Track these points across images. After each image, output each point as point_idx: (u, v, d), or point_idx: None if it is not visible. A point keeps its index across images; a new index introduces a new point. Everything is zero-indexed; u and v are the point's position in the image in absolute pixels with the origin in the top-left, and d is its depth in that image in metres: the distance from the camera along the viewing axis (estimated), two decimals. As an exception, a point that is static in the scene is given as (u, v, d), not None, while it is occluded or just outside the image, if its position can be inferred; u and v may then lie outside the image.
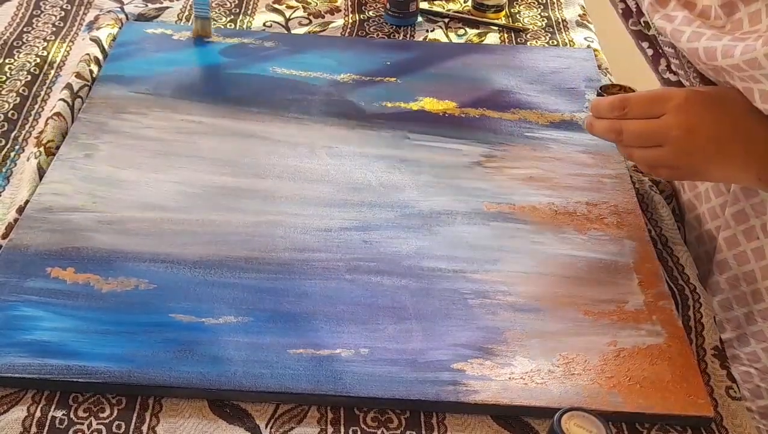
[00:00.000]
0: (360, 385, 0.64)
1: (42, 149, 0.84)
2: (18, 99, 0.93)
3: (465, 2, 1.16)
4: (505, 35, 1.10)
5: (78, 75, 0.94)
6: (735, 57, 0.63)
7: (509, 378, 0.65)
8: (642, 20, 0.79)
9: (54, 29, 1.05)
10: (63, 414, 0.63)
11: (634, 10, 0.79)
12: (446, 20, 1.12)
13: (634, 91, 0.74)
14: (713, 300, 0.80)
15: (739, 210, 0.77)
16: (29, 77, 0.97)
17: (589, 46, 1.07)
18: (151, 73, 0.95)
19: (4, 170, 0.84)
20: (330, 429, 0.63)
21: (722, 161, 0.67)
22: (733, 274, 0.79)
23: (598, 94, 0.75)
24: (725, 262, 0.79)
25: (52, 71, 0.98)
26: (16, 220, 0.76)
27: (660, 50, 0.79)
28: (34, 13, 1.08)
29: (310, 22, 1.10)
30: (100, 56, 0.98)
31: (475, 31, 1.10)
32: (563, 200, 0.82)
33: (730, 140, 0.67)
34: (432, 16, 1.13)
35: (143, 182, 0.81)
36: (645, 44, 0.80)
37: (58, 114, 0.88)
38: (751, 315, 0.80)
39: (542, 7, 1.16)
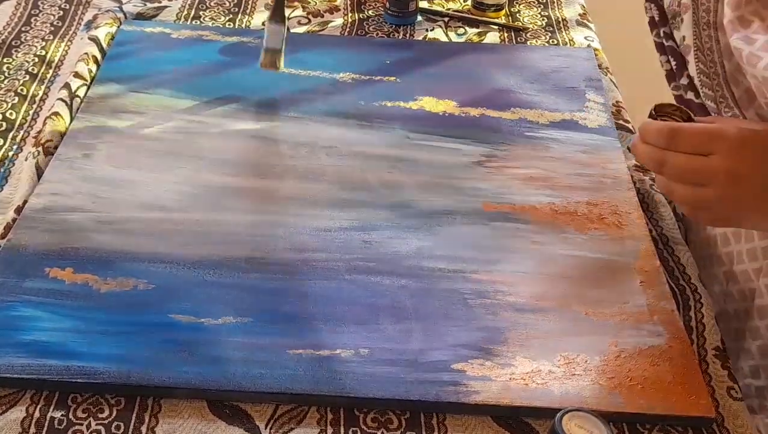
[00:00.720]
0: (360, 385, 0.64)
1: (40, 148, 0.84)
2: (16, 99, 0.93)
3: (465, 1, 1.16)
4: (505, 34, 1.10)
5: (76, 74, 0.94)
6: None
7: (510, 379, 0.65)
8: (663, 31, 0.76)
9: (52, 28, 1.05)
10: (62, 415, 0.62)
11: (658, 18, 0.76)
12: (446, 19, 1.12)
13: (690, 116, 0.67)
14: (753, 344, 0.77)
15: None
16: (27, 77, 0.96)
17: (589, 46, 1.07)
18: (149, 73, 0.95)
19: (2, 169, 0.84)
20: (330, 430, 0.63)
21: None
22: (765, 344, 0.75)
23: (651, 115, 0.68)
24: (757, 330, 0.75)
25: (51, 71, 0.98)
26: (14, 220, 0.76)
27: (683, 63, 0.74)
28: (33, 12, 1.08)
29: (310, 21, 1.10)
30: (99, 55, 0.98)
31: (475, 30, 1.10)
32: (563, 200, 0.82)
33: None
34: (432, 16, 1.13)
35: (142, 182, 0.81)
36: (663, 58, 0.76)
37: (56, 114, 0.88)
38: None
39: (542, 7, 1.16)
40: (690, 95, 0.75)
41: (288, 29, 0.91)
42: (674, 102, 0.72)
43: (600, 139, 0.90)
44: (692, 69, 0.73)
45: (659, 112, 0.68)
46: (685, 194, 0.65)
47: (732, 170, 0.61)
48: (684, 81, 0.75)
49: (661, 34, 0.77)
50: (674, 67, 0.76)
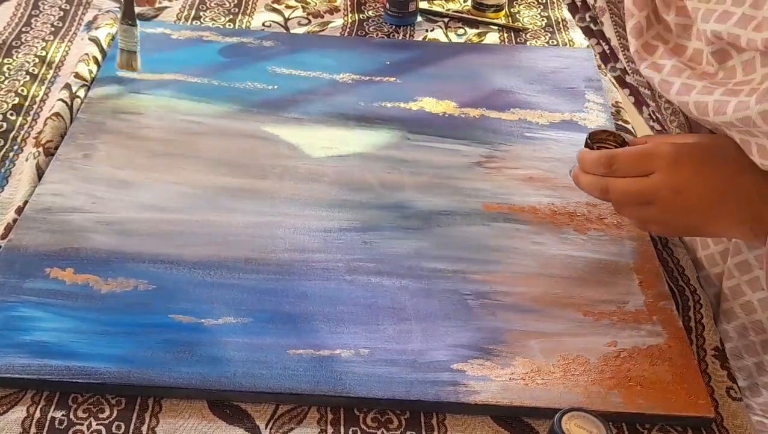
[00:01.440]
0: (360, 385, 0.64)
1: (41, 149, 0.84)
2: (16, 99, 0.93)
3: (465, 2, 1.16)
4: (505, 35, 1.10)
5: (77, 75, 0.94)
6: (728, 114, 0.60)
7: (509, 379, 0.65)
8: (588, 15, 0.76)
9: (53, 29, 1.05)
10: (62, 415, 0.63)
11: (580, 4, 0.76)
12: (446, 20, 1.12)
13: (624, 140, 0.70)
14: (729, 327, 0.78)
15: (742, 261, 0.74)
16: (28, 77, 0.97)
17: (588, 46, 1.07)
18: (149, 73, 0.95)
19: (2, 170, 0.84)
20: (330, 430, 0.63)
21: (714, 219, 0.65)
22: (740, 323, 0.77)
23: (586, 144, 0.71)
24: (732, 311, 0.77)
25: (51, 71, 0.98)
26: (14, 220, 0.76)
27: (641, 98, 0.75)
28: (33, 13, 1.08)
29: (310, 21, 1.10)
30: (99, 56, 0.98)
31: (475, 30, 1.10)
32: (563, 200, 0.82)
33: (722, 199, 0.64)
34: (431, 16, 1.13)
35: (142, 183, 0.81)
36: (626, 91, 0.77)
37: (56, 114, 0.88)
38: (761, 365, 0.77)
39: (542, 7, 1.16)
40: (655, 125, 0.76)
41: (138, 29, 0.92)
42: (607, 129, 0.76)
43: (599, 139, 0.90)
44: (623, 62, 0.74)
45: (594, 139, 0.71)
46: (634, 215, 0.68)
47: (670, 185, 0.64)
48: (620, 65, 0.76)
49: (587, 19, 0.77)
50: (607, 50, 0.77)
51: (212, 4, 1.11)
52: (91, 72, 0.95)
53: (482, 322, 0.70)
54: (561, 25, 1.12)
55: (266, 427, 0.63)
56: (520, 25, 1.12)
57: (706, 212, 0.65)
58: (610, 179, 0.67)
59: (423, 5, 1.14)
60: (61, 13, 1.08)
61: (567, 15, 1.14)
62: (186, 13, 1.09)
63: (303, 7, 1.13)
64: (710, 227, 0.67)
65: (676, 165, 0.64)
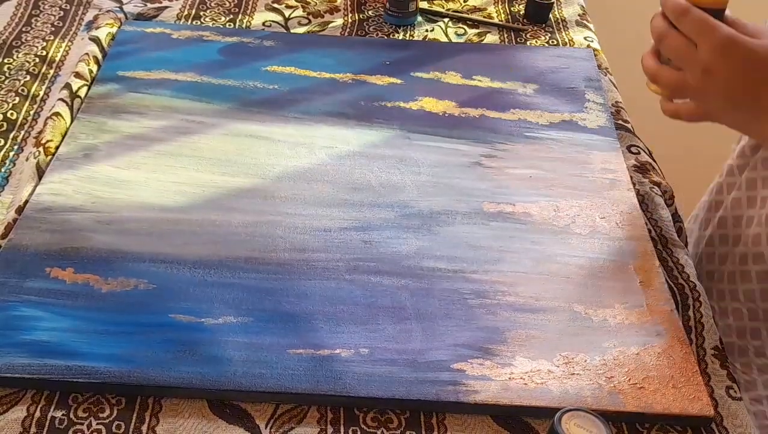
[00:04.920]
0: (360, 385, 0.64)
1: (41, 148, 0.84)
2: (17, 99, 0.93)
3: (465, 1, 1.16)
4: (505, 35, 1.10)
5: (77, 75, 0.94)
6: None
7: (509, 378, 0.65)
8: None
9: (53, 29, 1.05)
10: (63, 414, 0.63)
11: None
12: (446, 20, 1.12)
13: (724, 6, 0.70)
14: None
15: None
16: (28, 77, 0.97)
17: (588, 46, 1.07)
18: (150, 73, 0.95)
19: (3, 170, 0.84)
20: (330, 429, 0.63)
21: (733, 108, 0.67)
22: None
23: None
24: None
25: (51, 71, 0.98)
26: (15, 220, 0.76)
27: None
28: (33, 12, 1.08)
29: (310, 21, 1.10)
30: (99, 56, 0.98)
31: (475, 30, 1.10)
32: (563, 200, 0.82)
33: (745, 89, 0.66)
34: (431, 16, 1.13)
35: (143, 182, 0.81)
36: None
37: (57, 114, 0.88)
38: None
39: (542, 7, 1.15)
40: None
41: None
42: None
43: (600, 139, 0.90)
44: None
45: None
46: (669, 76, 0.70)
47: (707, 67, 0.66)
48: None
49: None
50: None
51: (212, 4, 1.11)
52: (91, 72, 0.95)
53: (482, 322, 0.70)
54: (561, 25, 1.12)
55: (266, 427, 0.63)
56: (520, 24, 1.12)
57: (726, 104, 0.67)
58: (671, 30, 0.68)
59: (423, 5, 1.14)
60: (62, 13, 1.08)
61: (567, 14, 1.14)
62: (186, 12, 1.09)
63: (303, 6, 1.13)
64: (726, 118, 0.69)
65: (721, 52, 0.65)
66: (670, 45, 0.68)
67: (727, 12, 0.69)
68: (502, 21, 1.12)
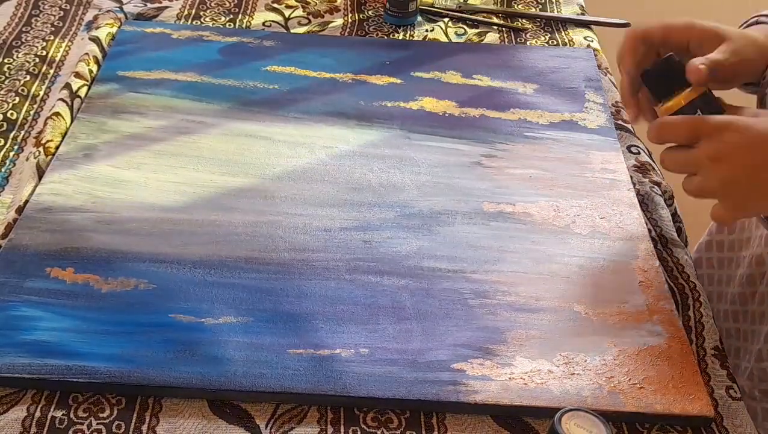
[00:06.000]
0: (360, 385, 0.64)
1: (41, 148, 0.84)
2: (17, 99, 0.93)
3: (465, 1, 1.16)
4: (505, 34, 1.10)
5: (77, 75, 0.94)
6: None
7: (509, 378, 0.65)
8: None
9: (53, 29, 1.05)
10: (63, 414, 0.63)
11: None
12: (446, 20, 1.12)
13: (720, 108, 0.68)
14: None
15: None
16: (28, 77, 0.97)
17: (588, 46, 1.07)
18: (150, 73, 0.95)
19: (3, 170, 0.84)
20: (330, 429, 0.63)
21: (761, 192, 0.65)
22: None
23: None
24: None
25: (51, 71, 0.98)
26: (15, 220, 0.76)
27: None
28: (33, 12, 1.08)
29: (310, 21, 1.10)
30: (100, 56, 0.98)
31: (475, 30, 1.10)
32: (563, 199, 0.82)
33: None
34: (431, 16, 1.13)
35: (143, 182, 0.81)
36: None
37: (57, 114, 0.88)
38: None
39: (541, 7, 1.16)
40: None
41: None
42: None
43: (600, 139, 0.90)
44: None
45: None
46: (691, 184, 0.67)
47: (711, 156, 0.64)
48: None
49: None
50: None
51: (212, 4, 1.11)
52: (91, 71, 0.95)
53: (482, 322, 0.70)
54: (561, 25, 1.12)
55: (266, 427, 0.63)
56: (520, 24, 1.12)
57: (754, 182, 0.64)
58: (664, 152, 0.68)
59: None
60: (62, 13, 1.08)
61: (566, 14, 1.14)
62: (186, 12, 1.09)
63: (303, 6, 1.13)
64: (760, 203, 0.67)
65: (721, 134, 0.64)
66: (674, 164, 0.67)
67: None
68: (501, 21, 1.12)
